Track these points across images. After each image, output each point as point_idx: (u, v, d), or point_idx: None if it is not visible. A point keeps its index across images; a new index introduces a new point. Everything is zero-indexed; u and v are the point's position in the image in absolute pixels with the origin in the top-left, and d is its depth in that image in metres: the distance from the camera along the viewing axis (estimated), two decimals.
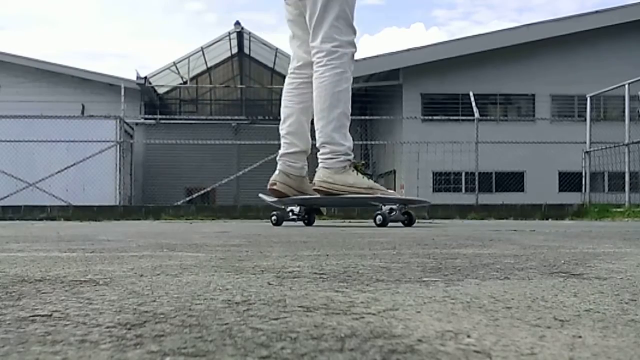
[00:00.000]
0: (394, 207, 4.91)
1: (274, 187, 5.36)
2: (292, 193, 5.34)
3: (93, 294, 1.00)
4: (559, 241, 2.61)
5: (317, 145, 5.02)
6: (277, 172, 5.42)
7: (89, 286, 1.10)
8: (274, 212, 5.44)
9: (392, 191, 5.41)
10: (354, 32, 4.95)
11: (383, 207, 4.91)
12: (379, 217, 4.81)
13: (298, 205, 5.38)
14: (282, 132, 5.43)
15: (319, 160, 5.02)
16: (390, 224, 4.86)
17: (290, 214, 5.38)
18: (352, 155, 5.01)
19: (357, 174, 5.01)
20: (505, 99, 19.21)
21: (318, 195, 5.14)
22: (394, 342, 0.65)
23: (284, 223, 5.43)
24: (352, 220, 7.58)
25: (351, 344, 0.63)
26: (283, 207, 5.47)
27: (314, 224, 5.56)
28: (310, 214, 5.56)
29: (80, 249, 2.11)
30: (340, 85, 4.88)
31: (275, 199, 5.43)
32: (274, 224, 5.30)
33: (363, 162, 5.12)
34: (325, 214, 6.53)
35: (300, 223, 5.51)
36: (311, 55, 5.02)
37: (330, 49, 4.85)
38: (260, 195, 5.93)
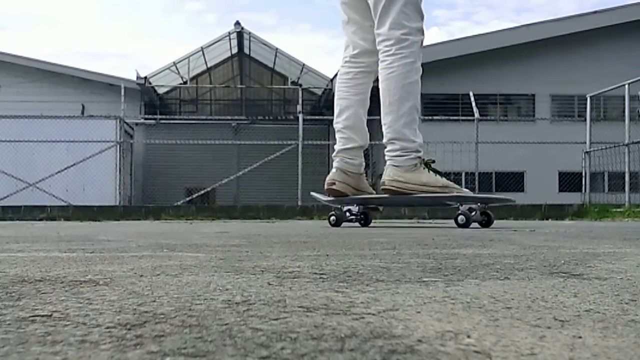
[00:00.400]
0: (473, 206, 4.57)
1: (333, 186, 5.02)
2: (352, 192, 5.03)
3: (93, 294, 1.00)
4: (559, 241, 2.61)
5: (385, 141, 4.70)
6: (334, 170, 5.07)
7: (89, 286, 1.10)
8: (333, 213, 5.07)
9: (466, 190, 5.06)
10: (422, 18, 4.65)
11: (461, 206, 4.59)
12: (461, 217, 4.47)
13: (357, 205, 5.06)
14: (337, 127, 5.08)
15: (387, 158, 4.70)
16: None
17: (348, 213, 5.04)
18: (422, 152, 4.72)
19: (429, 171, 4.69)
20: (505, 99, 19.21)
21: (384, 195, 4.78)
22: (394, 343, 0.65)
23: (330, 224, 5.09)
24: (406, 220, 7.16)
25: (351, 344, 0.63)
26: (339, 206, 5.13)
27: (370, 225, 5.21)
28: (366, 213, 5.22)
29: (80, 249, 2.11)
30: (410, 76, 4.57)
31: (332, 199, 5.11)
32: (332, 225, 4.96)
33: (433, 159, 4.75)
34: (381, 211, 6.16)
35: (356, 224, 5.17)
36: (375, 43, 4.72)
37: (400, 36, 4.52)
38: (313, 194, 5.59)
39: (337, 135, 5.09)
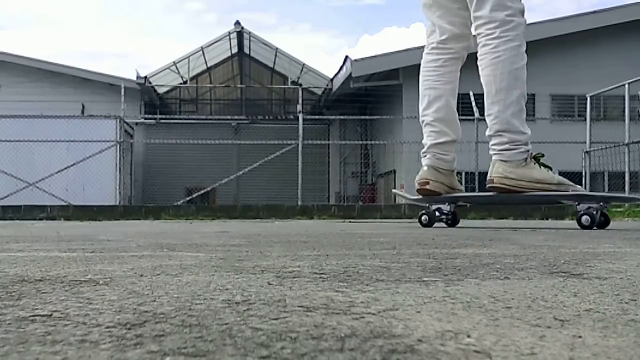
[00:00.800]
0: (593, 205, 4.17)
1: (427, 186, 4.60)
2: (445, 191, 4.63)
3: (93, 294, 1.00)
4: (559, 241, 2.61)
5: (491, 133, 4.31)
6: (424, 168, 4.66)
7: (89, 286, 1.10)
8: (424, 212, 4.75)
9: (580, 187, 4.54)
10: None
11: (578, 206, 4.24)
12: (586, 217, 4.09)
13: (448, 204, 4.74)
14: (426, 119, 4.65)
15: (494, 152, 4.29)
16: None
17: (437, 213, 4.72)
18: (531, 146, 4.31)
19: (540, 166, 4.29)
20: None
21: (490, 193, 4.40)
22: (394, 342, 0.65)
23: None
24: (494, 221, 6.31)
25: (351, 344, 0.63)
26: (427, 205, 4.82)
27: (458, 226, 4.88)
28: (455, 213, 4.89)
29: (80, 249, 2.11)
30: (517, 61, 4.27)
31: (420, 197, 4.77)
32: (423, 225, 4.65)
33: (542, 153, 4.35)
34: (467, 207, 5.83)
35: (442, 224, 4.86)
36: (463, 27, 4.47)
37: (505, 18, 4.17)
38: (396, 191, 5.32)
39: (426, 129, 4.67)
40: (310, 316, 0.79)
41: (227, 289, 1.05)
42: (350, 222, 7.30)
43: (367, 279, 1.20)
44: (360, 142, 19.19)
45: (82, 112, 18.43)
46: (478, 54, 4.32)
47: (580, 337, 0.68)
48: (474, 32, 4.36)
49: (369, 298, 0.95)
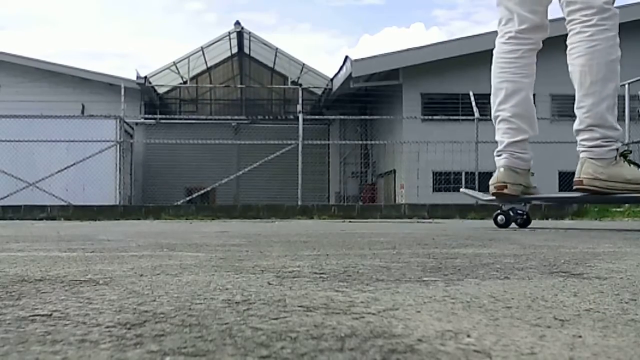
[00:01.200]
0: None
1: (504, 190, 4.25)
2: (522, 192, 4.33)
3: (93, 294, 1.00)
4: (559, 241, 2.61)
5: (581, 127, 3.99)
6: (500, 169, 4.32)
7: (89, 286, 1.10)
8: (500, 212, 4.45)
9: None
10: None
11: None
12: None
13: (524, 204, 4.48)
14: (503, 115, 4.31)
15: (583, 149, 3.98)
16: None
17: (512, 213, 4.42)
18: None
19: (630, 164, 4.01)
20: None
21: (576, 194, 4.16)
22: (394, 342, 0.65)
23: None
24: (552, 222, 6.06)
25: (351, 344, 0.63)
26: (500, 205, 4.54)
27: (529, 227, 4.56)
28: (528, 213, 4.61)
29: (80, 249, 2.11)
30: (613, 52, 4.04)
31: (493, 198, 4.49)
32: (499, 226, 4.37)
33: (629, 149, 4.10)
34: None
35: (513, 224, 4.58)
36: (544, 17, 4.29)
37: (602, 5, 3.95)
38: (465, 191, 5.01)
39: (502, 126, 4.33)
40: (310, 316, 0.79)
41: (227, 289, 1.05)
42: (350, 222, 7.30)
43: (367, 279, 1.20)
44: (360, 142, 19.20)
45: (82, 112, 18.44)
46: (569, 42, 4.08)
47: (580, 336, 0.68)
48: (567, 18, 4.11)
49: (369, 298, 0.95)
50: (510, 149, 4.30)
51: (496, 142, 4.42)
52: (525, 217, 4.49)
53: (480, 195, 4.69)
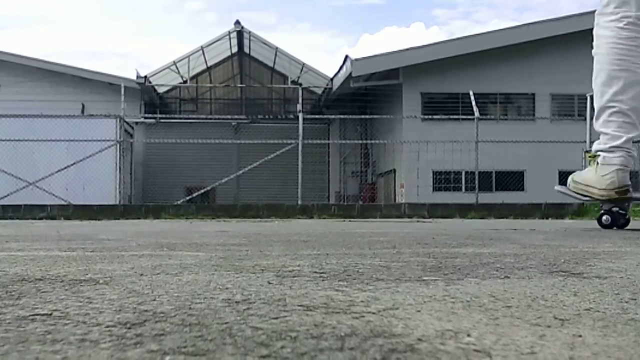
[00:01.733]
0: None
1: (628, 194, 3.92)
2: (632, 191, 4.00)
3: (93, 293, 1.00)
4: (559, 240, 2.61)
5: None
6: (620, 170, 3.88)
7: (89, 285, 1.10)
8: (605, 212, 4.21)
9: None
10: None
11: None
12: None
13: (628, 203, 4.27)
14: (620, 107, 3.85)
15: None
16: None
17: (617, 213, 4.19)
18: None
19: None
20: (505, 98, 19.19)
21: None
22: (394, 341, 0.65)
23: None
24: None
25: (351, 343, 0.63)
26: (601, 204, 4.32)
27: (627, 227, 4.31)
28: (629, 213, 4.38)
29: (80, 248, 2.11)
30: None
31: (588, 198, 4.24)
32: (604, 226, 4.17)
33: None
34: None
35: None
36: None
37: None
38: (559, 189, 4.72)
39: (617, 118, 3.87)
40: (310, 315, 0.79)
41: (227, 288, 1.05)
42: (350, 221, 7.30)
43: (367, 278, 1.20)
44: (360, 142, 19.20)
45: (82, 111, 18.43)
46: None
47: (580, 336, 0.68)
48: None
49: (369, 297, 0.95)
50: (627, 146, 3.86)
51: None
52: (627, 217, 4.29)
53: (572, 193, 4.34)
